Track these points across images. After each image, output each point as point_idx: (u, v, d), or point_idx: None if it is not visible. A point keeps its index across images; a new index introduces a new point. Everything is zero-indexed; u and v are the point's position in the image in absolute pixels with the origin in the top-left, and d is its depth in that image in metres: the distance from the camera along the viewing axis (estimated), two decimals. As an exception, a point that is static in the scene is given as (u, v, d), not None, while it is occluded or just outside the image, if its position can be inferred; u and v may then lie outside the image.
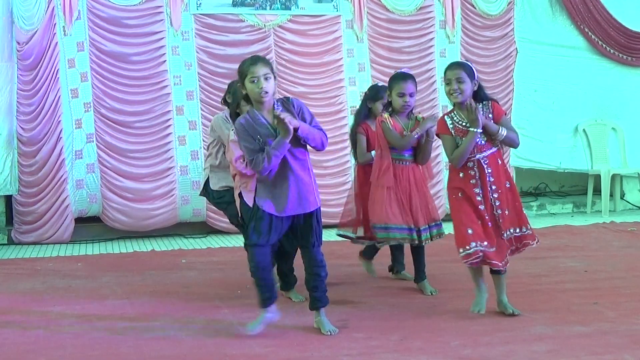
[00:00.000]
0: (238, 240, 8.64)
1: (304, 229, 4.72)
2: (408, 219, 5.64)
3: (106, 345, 4.60)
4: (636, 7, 10.68)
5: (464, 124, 4.96)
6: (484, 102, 5.04)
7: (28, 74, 8.70)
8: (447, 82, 4.98)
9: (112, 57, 8.82)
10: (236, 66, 9.14)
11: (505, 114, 5.22)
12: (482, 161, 5.00)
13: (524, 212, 5.24)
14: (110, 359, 4.42)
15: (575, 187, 11.43)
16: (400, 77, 5.69)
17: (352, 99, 9.30)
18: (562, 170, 10.66)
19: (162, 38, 9.03)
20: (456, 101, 4.97)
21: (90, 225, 9.03)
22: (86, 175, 8.86)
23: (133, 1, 8.92)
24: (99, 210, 8.92)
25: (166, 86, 8.92)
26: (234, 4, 9.24)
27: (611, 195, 10.61)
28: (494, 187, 5.00)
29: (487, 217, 4.99)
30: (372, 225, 5.69)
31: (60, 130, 8.73)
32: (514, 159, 10.22)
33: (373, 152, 5.90)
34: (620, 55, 10.59)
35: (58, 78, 8.74)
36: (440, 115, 5.13)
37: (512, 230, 5.07)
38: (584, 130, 10.53)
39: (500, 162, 5.09)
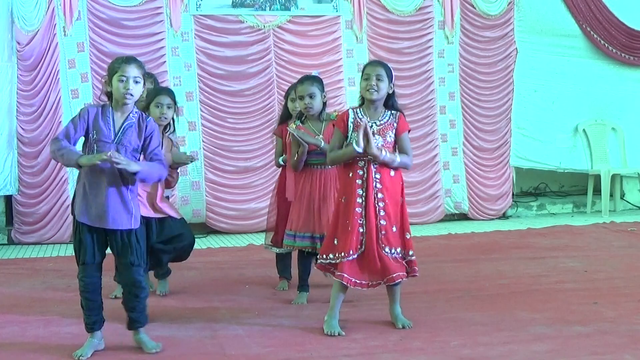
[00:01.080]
0: (238, 241, 8.65)
1: (122, 247, 4.38)
2: (314, 225, 5.54)
3: (106, 346, 4.59)
4: (638, 6, 10.66)
5: (364, 120, 4.78)
6: (392, 112, 4.86)
7: (28, 75, 8.70)
8: (366, 78, 4.78)
9: (112, 58, 8.69)
10: (235, 68, 9.27)
11: (409, 130, 4.95)
12: (372, 164, 4.76)
13: (410, 238, 4.90)
14: (109, 359, 4.41)
15: (575, 187, 11.42)
16: (299, 81, 5.69)
17: (352, 99, 9.28)
18: (562, 170, 10.65)
19: (162, 39, 9.02)
20: (371, 98, 4.77)
21: (90, 226, 9.01)
22: (86, 175, 8.85)
23: (133, 2, 8.91)
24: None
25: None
26: (234, 5, 9.23)
27: (611, 195, 10.60)
28: (379, 196, 4.75)
29: (361, 223, 4.75)
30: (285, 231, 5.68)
31: (61, 131, 8.72)
32: (514, 159, 10.22)
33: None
34: (622, 54, 10.57)
35: (58, 79, 8.74)
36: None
37: (395, 250, 4.78)
38: (583, 130, 10.52)
39: (393, 173, 4.82)
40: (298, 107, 5.75)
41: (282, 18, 9.38)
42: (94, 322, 4.47)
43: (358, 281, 4.78)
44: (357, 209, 4.76)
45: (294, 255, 5.94)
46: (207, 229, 9.23)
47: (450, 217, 10.01)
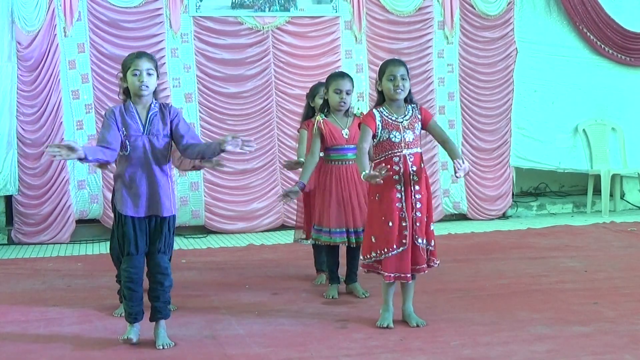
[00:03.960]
0: (238, 241, 8.65)
1: (154, 233, 4.57)
2: (347, 220, 5.66)
3: (106, 346, 4.60)
4: (633, 8, 10.68)
5: (393, 117, 4.89)
6: (412, 105, 4.98)
7: (29, 75, 8.71)
8: (391, 78, 4.87)
9: (112, 60, 8.79)
10: (234, 70, 9.27)
11: (433, 116, 5.14)
12: (407, 158, 4.88)
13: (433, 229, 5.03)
14: (110, 358, 4.42)
15: (575, 187, 11.43)
16: (338, 75, 5.82)
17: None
18: (562, 170, 10.66)
19: (162, 40, 9.03)
20: (399, 98, 4.88)
21: (90, 226, 9.04)
22: (87, 175, 8.87)
23: (132, 3, 8.92)
24: (99, 212, 8.94)
25: (165, 88, 8.89)
26: (233, 6, 9.23)
27: (611, 195, 10.60)
28: (417, 188, 4.87)
29: (402, 217, 4.84)
30: (313, 225, 5.81)
31: (63, 132, 8.74)
32: (514, 158, 10.23)
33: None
34: (619, 55, 10.58)
35: (59, 80, 8.75)
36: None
37: (421, 241, 4.89)
38: (583, 130, 10.53)
39: (423, 165, 4.97)
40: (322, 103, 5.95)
41: (281, 19, 9.38)
42: (137, 313, 4.62)
43: (403, 275, 4.86)
44: (397, 204, 4.85)
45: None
46: (206, 230, 9.23)
47: (449, 217, 10.02)
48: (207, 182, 9.19)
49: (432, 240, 4.97)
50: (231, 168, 9.15)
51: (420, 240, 4.88)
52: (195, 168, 5.29)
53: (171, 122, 4.57)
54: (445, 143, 5.02)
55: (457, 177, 4.87)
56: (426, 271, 4.94)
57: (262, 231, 9.31)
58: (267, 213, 9.38)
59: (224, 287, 6.25)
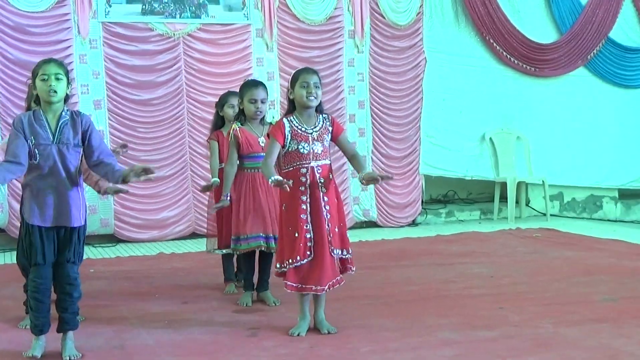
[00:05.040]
0: (148, 249, 8.56)
1: (63, 243, 4.46)
2: (265, 225, 5.69)
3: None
4: (537, 20, 10.95)
5: (303, 128, 4.91)
6: (324, 116, 5.00)
7: None
8: (304, 86, 4.87)
9: (18, 65, 8.59)
10: (144, 76, 9.15)
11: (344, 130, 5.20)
12: (315, 169, 4.90)
13: (347, 235, 5.08)
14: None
15: (483, 194, 11.63)
16: (252, 84, 5.82)
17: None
18: (469, 177, 10.83)
19: (70, 46, 8.86)
20: (311, 105, 4.89)
21: (-6, 236, 8.82)
22: (-9, 184, 8.67)
23: (39, 8, 8.72)
24: (4, 221, 8.72)
25: (73, 95, 8.71)
26: (144, 13, 9.13)
27: (517, 202, 10.83)
28: (325, 199, 4.88)
29: (307, 229, 4.85)
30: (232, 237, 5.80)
31: (-33, 139, 8.51)
32: (423, 166, 10.37)
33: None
34: (524, 65, 10.83)
35: (-37, 86, 8.53)
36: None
37: (338, 252, 4.91)
38: (490, 138, 10.74)
39: (332, 176, 4.99)
40: (235, 113, 5.99)
41: (192, 26, 9.31)
42: (43, 324, 4.50)
43: (304, 286, 4.84)
44: (301, 216, 4.84)
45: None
46: (116, 239, 9.10)
47: (359, 225, 10.08)
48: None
49: (349, 248, 4.99)
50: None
51: (336, 252, 4.89)
52: (96, 189, 5.20)
53: (83, 132, 4.47)
54: (352, 158, 5.06)
55: (363, 183, 4.89)
56: (341, 283, 4.95)
57: (172, 239, 9.23)
58: (178, 221, 9.30)
59: (133, 297, 6.16)
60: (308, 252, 4.83)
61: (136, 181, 4.41)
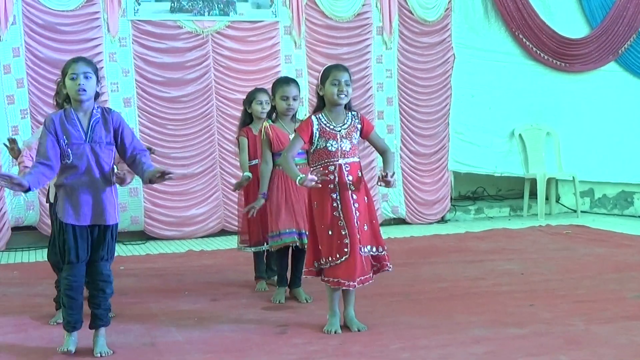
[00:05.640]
0: (177, 247, 8.60)
1: (97, 241, 4.49)
2: (297, 221, 5.67)
3: (42, 355, 4.52)
4: (567, 15, 10.86)
5: (331, 126, 4.90)
6: (352, 113, 4.99)
7: (-38, 79, 8.55)
8: (335, 83, 4.86)
9: (48, 64, 8.67)
10: (174, 74, 9.18)
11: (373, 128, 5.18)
12: (343, 167, 4.89)
13: (381, 233, 5.06)
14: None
15: (512, 191, 11.56)
16: (284, 81, 5.82)
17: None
18: (498, 174, 10.78)
19: (99, 44, 8.92)
20: (341, 103, 4.89)
21: (26, 233, 8.87)
22: (23, 182, 8.70)
23: (69, 6, 8.79)
24: (35, 219, 8.78)
25: (103, 93, 8.76)
26: (172, 10, 9.16)
27: (547, 198, 10.76)
28: (354, 197, 4.85)
29: (341, 226, 4.82)
30: (269, 234, 5.78)
31: (-2, 137, 8.58)
32: (452, 163, 10.33)
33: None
34: (554, 61, 10.75)
35: (-6, 84, 8.61)
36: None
37: (369, 248, 4.90)
38: (520, 134, 10.68)
39: (360, 174, 4.97)
40: (263, 109, 6.11)
41: (220, 23, 9.34)
42: (76, 321, 4.53)
43: (345, 282, 4.80)
44: (334, 214, 4.83)
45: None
46: (146, 236, 9.16)
47: (388, 222, 10.06)
48: (146, 188, 9.09)
49: (384, 245, 4.97)
50: (171, 173, 9.05)
51: (365, 249, 4.86)
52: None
53: (115, 129, 4.49)
54: (384, 152, 5.07)
55: (378, 184, 4.88)
56: (370, 281, 4.93)
57: (201, 237, 9.26)
58: (207, 219, 9.33)
59: (162, 294, 6.19)
60: (345, 250, 4.80)
61: (160, 182, 4.42)
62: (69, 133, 4.40)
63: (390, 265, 5.01)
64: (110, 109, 4.59)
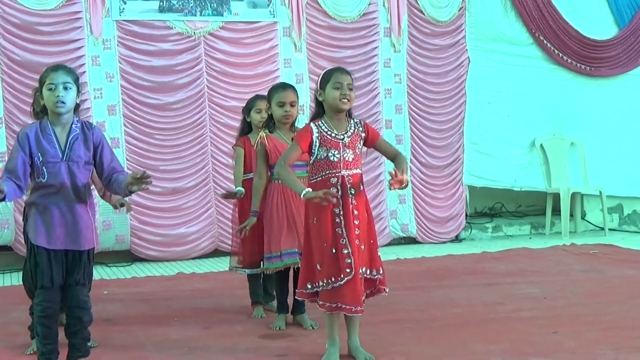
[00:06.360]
0: (166, 269, 8.58)
1: (72, 264, 4.45)
2: (299, 241, 5.55)
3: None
4: (592, 14, 10.87)
5: (333, 133, 4.85)
6: (355, 121, 4.96)
7: None
8: (337, 87, 4.82)
9: (25, 67, 8.66)
10: (163, 79, 9.19)
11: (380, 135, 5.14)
12: (346, 179, 4.84)
13: (380, 255, 4.97)
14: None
15: (533, 207, 11.56)
16: (280, 86, 5.85)
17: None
18: (518, 188, 10.76)
19: (82, 47, 8.92)
20: (344, 108, 4.86)
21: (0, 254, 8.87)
22: (-4, 198, 8.70)
23: (48, 5, 8.79)
24: (10, 238, 8.77)
25: (85, 100, 8.78)
26: (161, 10, 9.18)
27: (571, 215, 10.74)
28: (355, 212, 4.80)
29: (344, 244, 4.75)
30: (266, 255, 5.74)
31: (-30, 148, 8.60)
32: (467, 176, 10.32)
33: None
34: (578, 64, 10.76)
35: (-35, 89, 8.61)
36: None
37: (363, 270, 4.80)
38: (541, 145, 10.66)
39: (363, 187, 4.94)
40: (263, 118, 6.05)
41: (214, 24, 9.35)
42: (50, 352, 4.49)
43: (342, 306, 4.74)
44: (337, 230, 4.77)
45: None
46: (132, 257, 9.14)
47: (397, 241, 10.05)
48: (133, 204, 8.96)
49: (380, 268, 4.90)
50: (160, 188, 9.07)
51: (362, 270, 4.78)
52: (112, 203, 5.29)
53: (94, 147, 4.47)
54: (396, 156, 5.00)
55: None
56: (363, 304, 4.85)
57: (193, 258, 9.24)
58: (200, 238, 9.31)
59: (150, 321, 6.17)
60: (348, 270, 4.71)
61: (141, 188, 4.36)
62: (45, 150, 4.36)
63: (387, 289, 4.93)
64: (92, 124, 4.55)
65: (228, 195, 6.32)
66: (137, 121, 9.12)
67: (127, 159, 8.96)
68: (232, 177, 6.58)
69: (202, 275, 8.25)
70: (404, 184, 4.72)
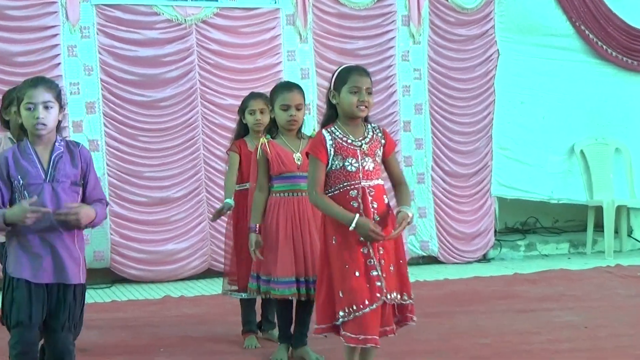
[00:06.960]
0: (151, 291, 8.57)
1: (56, 303, 4.39)
2: (297, 268, 5.54)
3: None
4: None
5: (349, 140, 4.80)
6: (372, 126, 4.94)
7: None
8: (355, 91, 4.76)
9: (-8, 56, 8.70)
10: (148, 72, 9.17)
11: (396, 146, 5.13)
12: (367, 191, 4.81)
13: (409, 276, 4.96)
14: None
15: (572, 222, 11.55)
16: (284, 86, 5.76)
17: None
18: (555, 201, 10.75)
19: (56, 35, 8.91)
20: (362, 115, 4.83)
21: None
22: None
23: (18, -12, 8.82)
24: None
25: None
26: (147, -7, 9.19)
27: (616, 231, 10.71)
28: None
29: (371, 264, 4.69)
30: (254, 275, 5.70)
31: None
32: (496, 186, 10.30)
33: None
34: (623, 58, 10.75)
35: None
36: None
37: (394, 295, 4.74)
38: (581, 151, 10.65)
39: (387, 200, 4.91)
40: (257, 120, 6.09)
41: (207, 10, 9.34)
42: None
43: (367, 337, 4.64)
44: (362, 250, 4.70)
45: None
46: (112, 277, 9.13)
47: (416, 261, 10.02)
48: (114, 216, 9.03)
49: (410, 292, 4.84)
50: (145, 198, 9.06)
51: (390, 296, 4.71)
52: None
53: (81, 168, 4.43)
54: (399, 184, 5.00)
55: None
56: (395, 333, 4.82)
57: (182, 279, 9.22)
58: (190, 256, 9.29)
59: (133, 351, 6.16)
60: (378, 295, 4.63)
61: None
62: (25, 171, 4.34)
63: (415, 318, 4.88)
64: (78, 143, 4.53)
65: (217, 215, 6.29)
66: (119, 120, 9.10)
67: (107, 164, 8.94)
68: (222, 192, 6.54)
69: (191, 299, 8.25)
70: (409, 222, 4.78)
